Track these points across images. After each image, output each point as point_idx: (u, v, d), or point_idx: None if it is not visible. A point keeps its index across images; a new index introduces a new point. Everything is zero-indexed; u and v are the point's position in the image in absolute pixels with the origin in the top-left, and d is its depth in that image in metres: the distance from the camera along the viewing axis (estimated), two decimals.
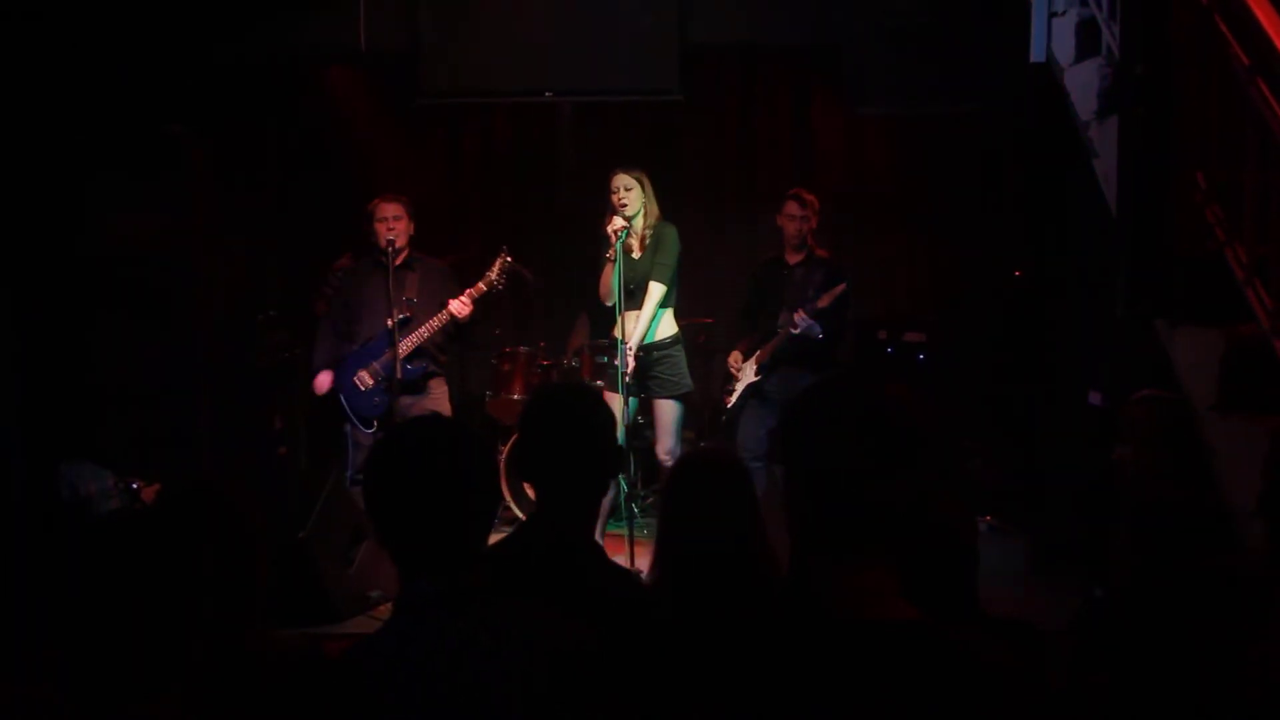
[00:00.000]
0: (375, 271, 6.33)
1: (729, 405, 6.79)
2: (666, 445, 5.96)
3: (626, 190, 5.87)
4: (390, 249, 6.13)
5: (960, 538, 2.69)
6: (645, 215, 5.94)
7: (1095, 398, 6.21)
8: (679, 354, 6.05)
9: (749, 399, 6.66)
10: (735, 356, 6.76)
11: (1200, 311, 4.14)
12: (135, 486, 5.38)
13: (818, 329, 6.40)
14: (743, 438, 6.56)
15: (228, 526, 2.46)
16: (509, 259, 6.23)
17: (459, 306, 6.14)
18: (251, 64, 8.08)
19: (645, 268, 5.92)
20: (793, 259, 6.66)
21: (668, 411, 5.97)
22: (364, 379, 6.21)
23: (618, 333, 5.99)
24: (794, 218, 6.60)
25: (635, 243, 5.94)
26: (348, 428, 6.36)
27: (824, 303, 6.36)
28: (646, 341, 5.93)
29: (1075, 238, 6.43)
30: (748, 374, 6.67)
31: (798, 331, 6.39)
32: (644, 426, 6.04)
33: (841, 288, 6.38)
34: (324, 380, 6.35)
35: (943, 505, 2.71)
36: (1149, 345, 4.40)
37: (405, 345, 6.14)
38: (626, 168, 5.95)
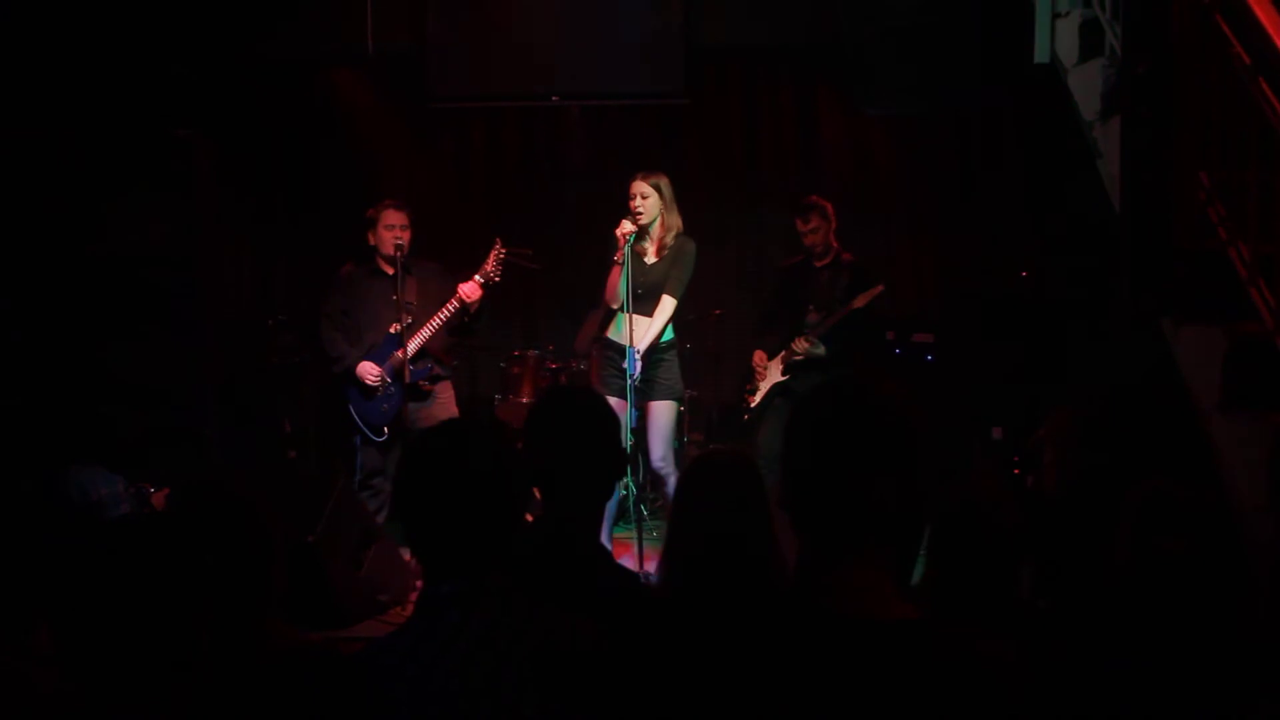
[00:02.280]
0: (375, 277, 6.35)
1: (752, 405, 6.81)
2: (659, 452, 5.93)
3: (643, 198, 5.84)
4: (400, 254, 6.14)
5: (1003, 524, 2.73)
6: (663, 223, 5.91)
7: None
8: (674, 359, 6.04)
9: (774, 399, 6.67)
10: (760, 356, 6.77)
11: (1204, 310, 4.15)
12: (149, 491, 5.40)
13: (821, 348, 6.44)
14: (766, 438, 6.54)
15: (245, 526, 2.48)
16: (503, 251, 6.23)
17: (470, 289, 6.14)
18: (259, 67, 8.12)
19: (658, 277, 5.90)
20: (819, 263, 6.68)
21: (662, 414, 5.96)
22: (384, 377, 6.23)
23: (611, 334, 6.00)
24: (803, 232, 6.63)
25: (651, 248, 5.92)
26: (357, 438, 6.37)
27: (860, 302, 6.40)
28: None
29: (1080, 238, 6.43)
30: (774, 374, 6.68)
31: (800, 356, 6.45)
32: (638, 432, 6.02)
33: (880, 289, 6.42)
34: (369, 367, 6.27)
35: (983, 493, 2.75)
36: (1146, 346, 4.42)
37: (410, 347, 6.16)
38: (647, 174, 5.91)
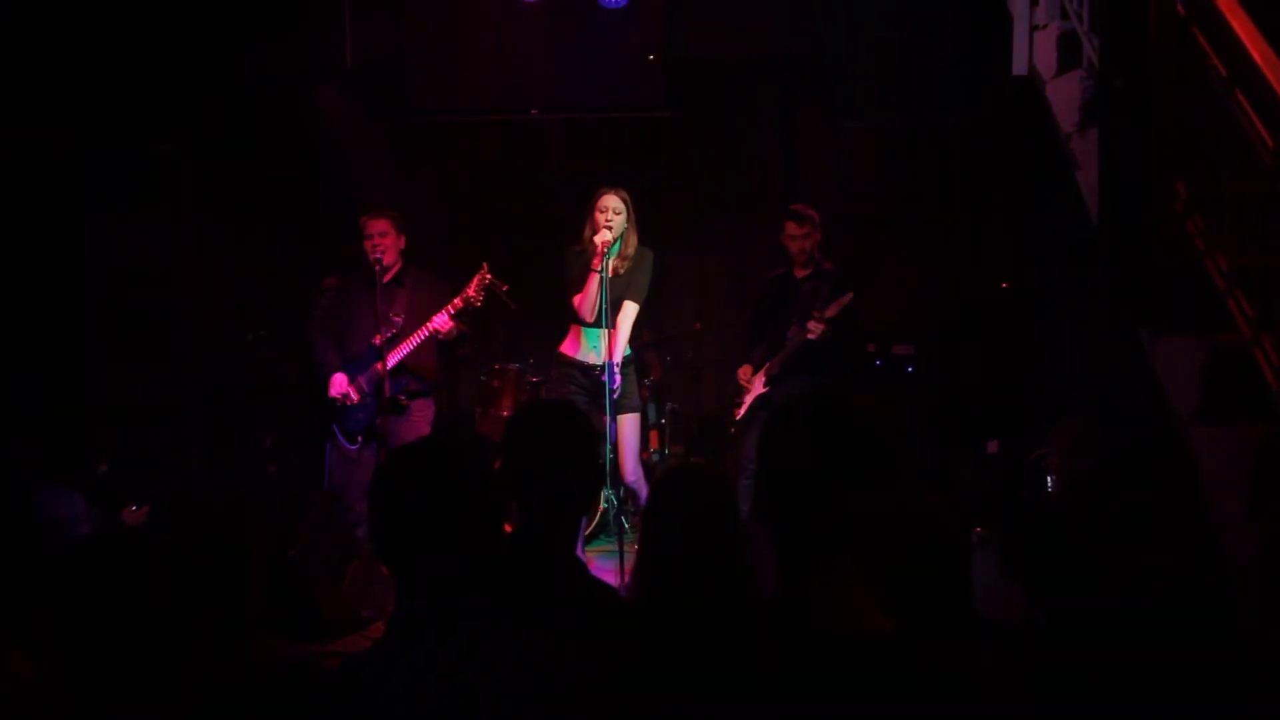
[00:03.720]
0: (364, 288, 6.33)
1: (738, 417, 6.86)
2: (630, 465, 5.94)
3: (615, 213, 5.80)
4: (378, 266, 6.13)
5: (953, 539, 2.73)
6: (626, 241, 5.90)
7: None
8: (632, 373, 6.08)
9: (758, 410, 6.71)
10: (745, 370, 6.85)
11: (1182, 321, 4.16)
12: (111, 513, 5.36)
13: (830, 335, 6.46)
14: (749, 450, 6.58)
15: (228, 542, 2.47)
16: (488, 277, 6.20)
17: (441, 321, 6.14)
18: (239, 83, 8.10)
19: (621, 289, 5.89)
20: (800, 273, 6.73)
21: (630, 428, 5.98)
22: (349, 394, 6.21)
23: (580, 355, 5.98)
24: (794, 237, 6.69)
25: (609, 264, 5.89)
26: (327, 448, 6.35)
27: (831, 312, 6.43)
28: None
29: (1059, 249, 6.46)
30: (757, 386, 6.72)
31: (814, 338, 6.43)
32: (616, 446, 6.02)
33: (849, 297, 6.46)
34: (339, 379, 6.27)
35: (935, 508, 2.74)
36: (1129, 357, 4.43)
37: (389, 361, 6.13)
38: (615, 187, 5.89)
